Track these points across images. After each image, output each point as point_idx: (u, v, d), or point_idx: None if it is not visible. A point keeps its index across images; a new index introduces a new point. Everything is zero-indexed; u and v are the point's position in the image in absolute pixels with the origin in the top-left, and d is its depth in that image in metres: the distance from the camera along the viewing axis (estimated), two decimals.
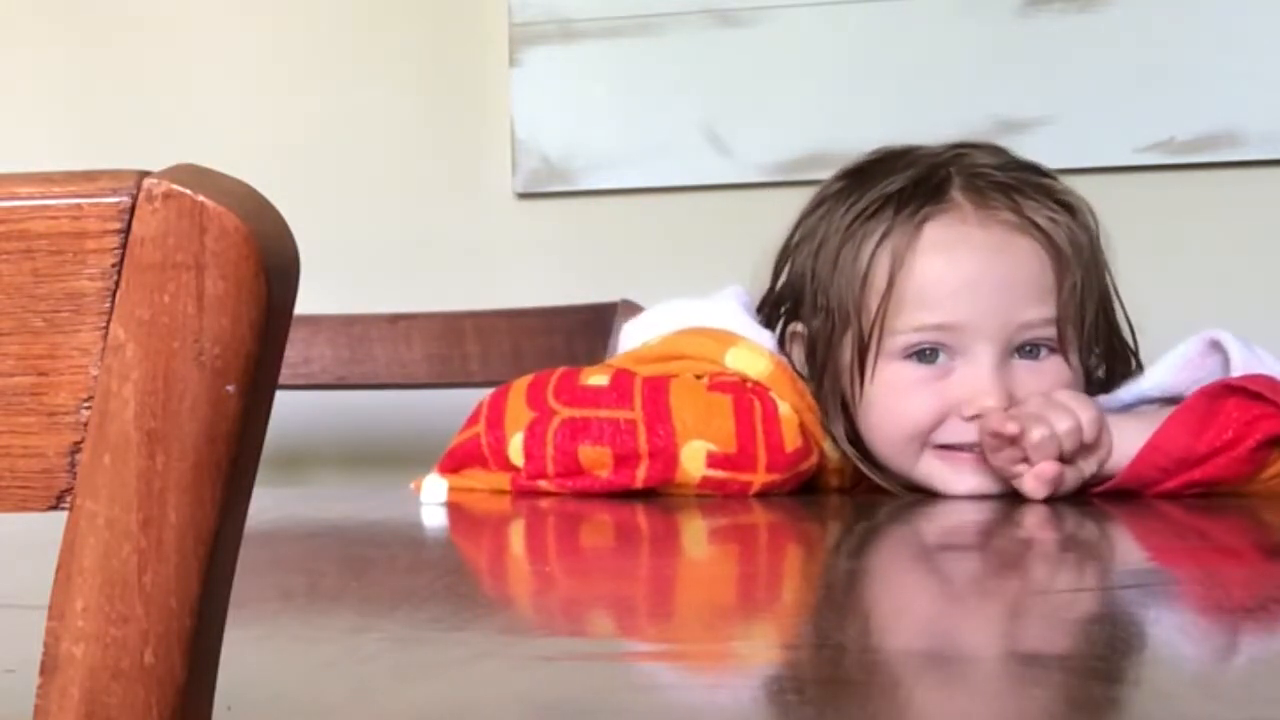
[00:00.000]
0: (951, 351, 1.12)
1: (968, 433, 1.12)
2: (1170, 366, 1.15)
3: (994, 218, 1.13)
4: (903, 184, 1.15)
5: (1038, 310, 1.12)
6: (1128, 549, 0.99)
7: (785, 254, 1.23)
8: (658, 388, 1.13)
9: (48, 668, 0.38)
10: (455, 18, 1.73)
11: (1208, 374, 1.13)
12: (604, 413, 1.13)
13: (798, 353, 1.20)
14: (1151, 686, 0.55)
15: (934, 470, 1.14)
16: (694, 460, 1.11)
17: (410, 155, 1.75)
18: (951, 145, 1.19)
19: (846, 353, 1.15)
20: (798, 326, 1.20)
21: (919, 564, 0.93)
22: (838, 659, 0.61)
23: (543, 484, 1.13)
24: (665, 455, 1.11)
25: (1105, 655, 0.61)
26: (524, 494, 1.15)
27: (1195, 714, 0.50)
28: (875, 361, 1.13)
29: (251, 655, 0.58)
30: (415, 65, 1.74)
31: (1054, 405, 1.08)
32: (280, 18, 1.78)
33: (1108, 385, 1.20)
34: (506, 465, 1.15)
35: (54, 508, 0.38)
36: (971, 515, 1.07)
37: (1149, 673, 0.58)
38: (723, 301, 1.23)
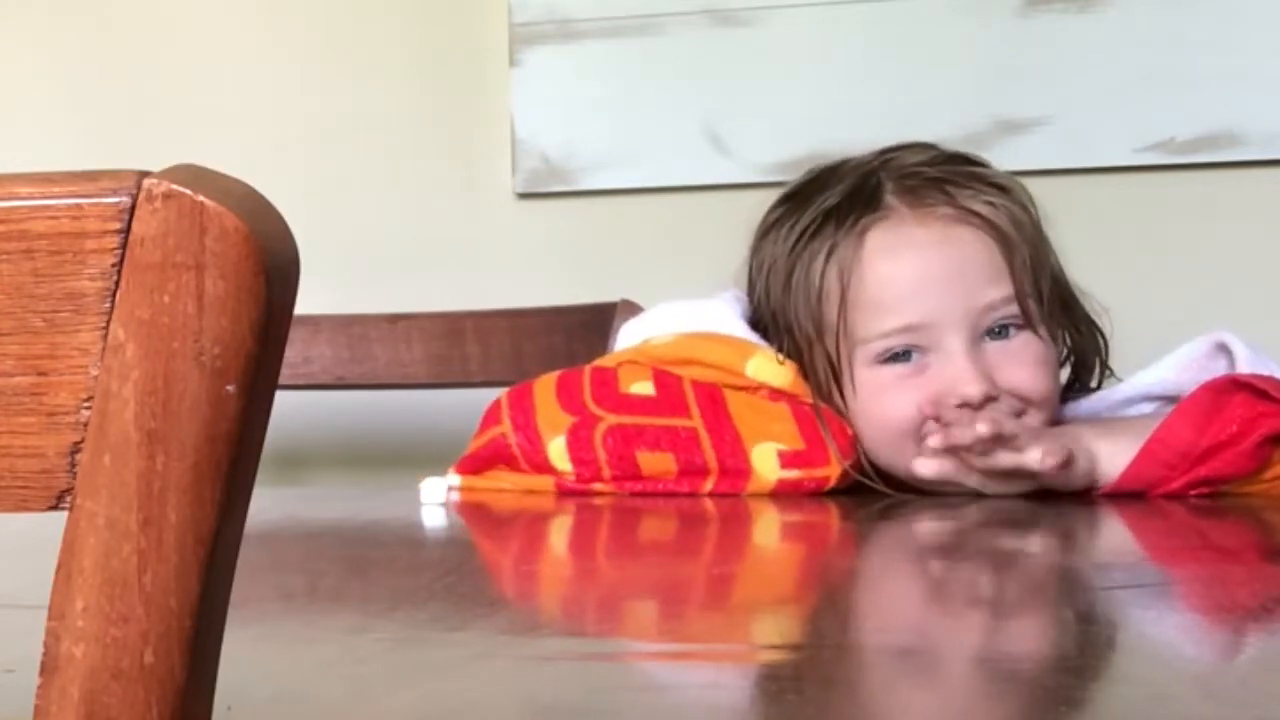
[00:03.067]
0: (923, 349, 1.13)
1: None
2: (1174, 365, 1.16)
3: (931, 214, 1.14)
4: (838, 198, 1.16)
5: (995, 292, 1.13)
6: (1128, 549, 0.99)
7: (750, 283, 1.24)
8: (714, 397, 1.14)
9: (48, 668, 0.38)
10: (455, 18, 1.73)
11: (1212, 375, 1.13)
12: (658, 420, 1.13)
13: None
14: (1151, 686, 0.55)
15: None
16: (766, 463, 1.11)
17: (410, 155, 1.75)
18: (881, 150, 1.20)
19: (820, 370, 1.15)
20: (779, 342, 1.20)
21: (919, 564, 0.93)
22: (838, 659, 0.61)
23: (598, 486, 1.13)
24: (735, 464, 1.11)
25: (1105, 655, 0.61)
26: (571, 494, 1.14)
27: (1195, 714, 0.50)
28: (851, 373, 1.14)
29: (251, 655, 0.58)
30: (415, 65, 1.74)
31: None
32: (280, 18, 1.78)
33: (1082, 361, 1.21)
34: (546, 468, 1.14)
35: (54, 508, 0.38)
36: (974, 516, 1.07)
37: (1149, 673, 0.58)
38: (720, 305, 1.23)
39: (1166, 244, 1.56)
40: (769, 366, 1.16)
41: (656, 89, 1.66)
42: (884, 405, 1.13)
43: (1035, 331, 1.14)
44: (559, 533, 1.08)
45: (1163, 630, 0.68)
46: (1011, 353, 1.13)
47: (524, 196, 1.71)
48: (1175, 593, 0.77)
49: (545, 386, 1.18)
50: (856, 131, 1.51)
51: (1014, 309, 1.13)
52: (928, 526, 1.05)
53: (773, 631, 0.69)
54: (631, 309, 1.46)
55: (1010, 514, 1.05)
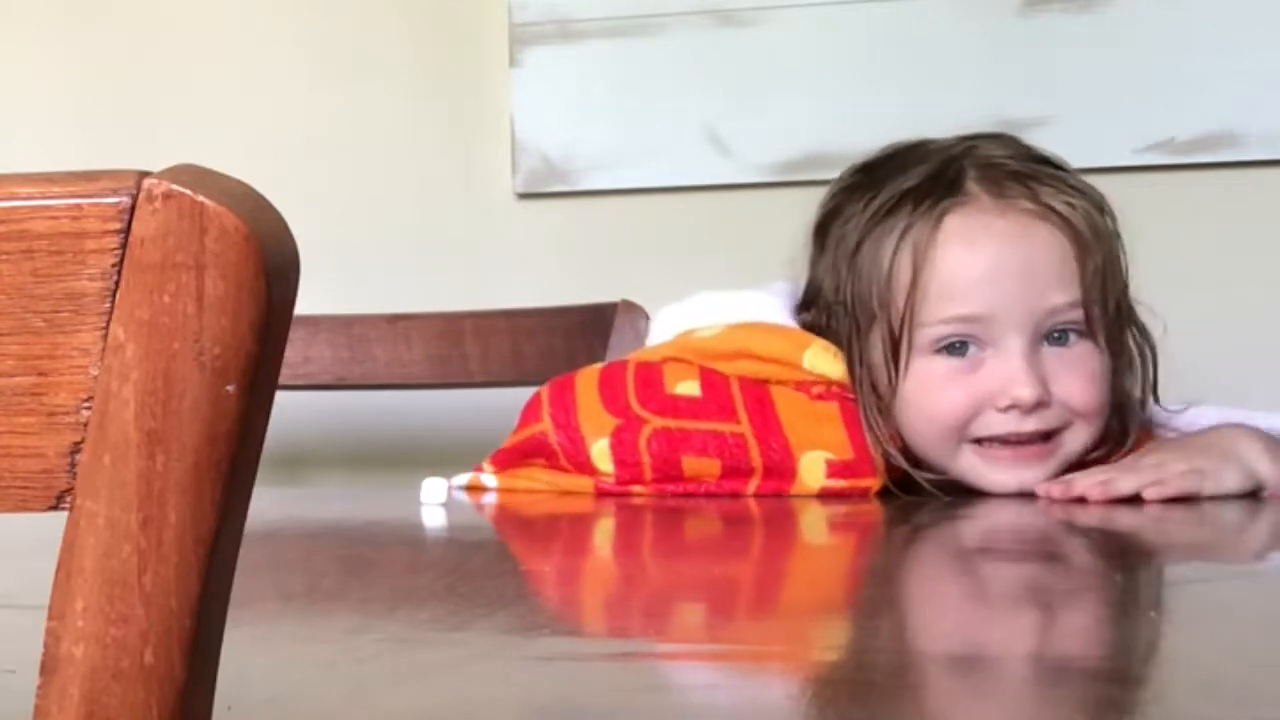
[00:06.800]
0: (981, 343, 1.12)
1: (1003, 424, 1.11)
2: None
3: (1012, 206, 1.13)
4: (918, 180, 1.15)
5: (1063, 295, 1.11)
6: (1132, 550, 0.99)
7: (812, 255, 1.22)
8: (761, 399, 1.13)
9: (48, 668, 0.38)
10: (455, 18, 1.73)
11: None
12: (705, 425, 1.12)
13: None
14: (1151, 686, 0.55)
15: (973, 465, 1.13)
16: (813, 471, 1.11)
17: (410, 155, 1.75)
18: (963, 138, 1.18)
19: (876, 351, 1.14)
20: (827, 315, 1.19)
21: (926, 566, 0.93)
22: (843, 660, 0.61)
23: (638, 489, 1.13)
24: (781, 469, 1.11)
25: (1106, 655, 0.61)
26: (609, 495, 1.14)
27: (1195, 714, 0.50)
28: (908, 357, 1.12)
29: (251, 655, 0.58)
30: (415, 65, 1.74)
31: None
32: (280, 18, 1.78)
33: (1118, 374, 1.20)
34: (588, 468, 1.14)
35: (54, 508, 0.38)
36: (982, 519, 1.07)
37: (1149, 673, 0.58)
38: (767, 297, 1.22)
39: (1166, 244, 1.56)
40: (825, 357, 1.15)
41: (657, 89, 1.66)
42: (934, 398, 1.12)
43: (1095, 341, 1.13)
44: (562, 533, 1.08)
45: (1162, 629, 0.68)
46: (1068, 361, 1.12)
47: (524, 196, 1.71)
48: (1175, 592, 0.77)
49: (588, 383, 1.16)
50: (856, 131, 1.51)
51: (1078, 315, 1.12)
52: (934, 532, 1.05)
53: (776, 633, 0.69)
54: (631, 309, 1.46)
55: (1025, 519, 1.05)
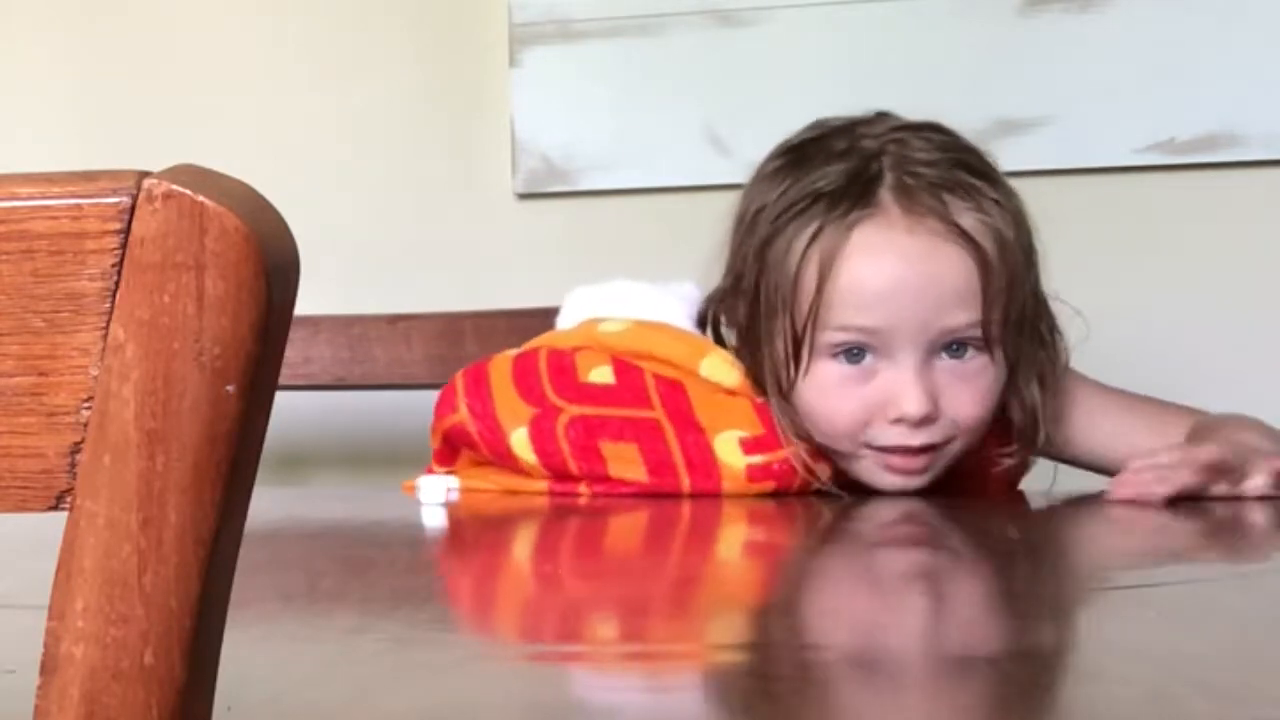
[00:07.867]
0: (877, 353, 1.13)
1: (894, 436, 1.13)
2: None
3: (921, 223, 1.12)
4: (834, 183, 1.14)
5: (962, 315, 1.12)
6: (1125, 549, 0.99)
7: (732, 233, 1.22)
8: (674, 386, 1.14)
9: (48, 668, 0.38)
10: (455, 18, 1.73)
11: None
12: (620, 411, 1.14)
13: (732, 327, 1.20)
14: (1150, 687, 0.55)
15: (865, 467, 1.15)
16: (730, 451, 1.12)
17: (410, 155, 1.74)
18: (890, 128, 1.18)
19: (778, 343, 1.15)
20: (736, 301, 1.20)
21: (909, 565, 0.93)
22: (827, 660, 0.61)
23: (582, 488, 1.14)
24: (702, 457, 1.12)
25: (1102, 656, 0.61)
26: (560, 497, 1.14)
27: (1195, 714, 0.50)
28: (809, 356, 1.14)
29: (251, 655, 0.58)
30: (415, 65, 1.74)
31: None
32: (280, 18, 1.78)
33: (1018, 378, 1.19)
34: (509, 458, 1.15)
35: (54, 508, 0.38)
36: (959, 515, 1.07)
37: (1148, 673, 0.58)
38: (673, 302, 1.24)
39: (1166, 244, 1.56)
40: (723, 367, 1.18)
41: (656, 89, 1.66)
42: (826, 403, 1.14)
43: (992, 354, 1.14)
44: (554, 536, 1.08)
45: (1160, 630, 0.68)
46: (962, 376, 1.13)
47: (524, 196, 1.71)
48: (1172, 592, 0.77)
49: (502, 372, 1.18)
50: None
51: (977, 332, 1.13)
52: (913, 526, 1.05)
53: (766, 634, 0.69)
54: None
55: (1001, 515, 1.05)
